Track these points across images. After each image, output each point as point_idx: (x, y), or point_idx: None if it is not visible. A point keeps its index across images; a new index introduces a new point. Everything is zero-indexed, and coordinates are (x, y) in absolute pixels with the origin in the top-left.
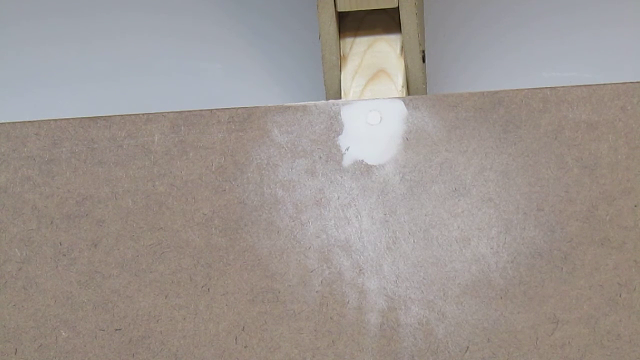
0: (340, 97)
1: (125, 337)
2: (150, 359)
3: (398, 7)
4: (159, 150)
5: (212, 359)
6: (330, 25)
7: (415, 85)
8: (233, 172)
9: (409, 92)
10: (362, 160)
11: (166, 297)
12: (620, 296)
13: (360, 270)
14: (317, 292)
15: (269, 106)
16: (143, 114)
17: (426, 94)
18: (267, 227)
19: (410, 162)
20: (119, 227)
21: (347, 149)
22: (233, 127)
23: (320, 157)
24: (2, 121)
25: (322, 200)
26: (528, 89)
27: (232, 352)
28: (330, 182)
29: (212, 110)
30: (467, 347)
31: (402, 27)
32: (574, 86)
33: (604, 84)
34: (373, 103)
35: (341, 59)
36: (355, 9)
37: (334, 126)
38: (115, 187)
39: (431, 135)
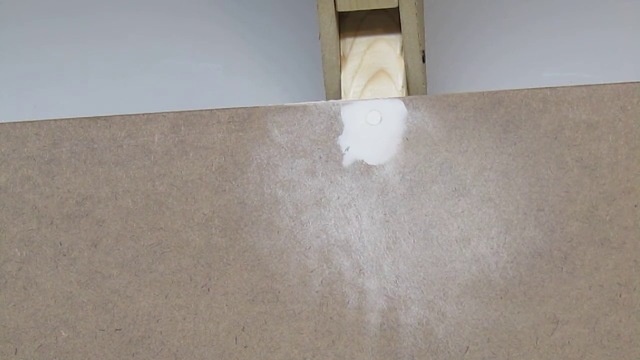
0: (340, 97)
1: (125, 337)
2: (150, 359)
3: (398, 7)
4: (159, 150)
5: (212, 359)
6: (330, 25)
7: (415, 85)
8: (233, 172)
9: (409, 92)
10: (362, 160)
11: (166, 297)
12: (620, 296)
13: (360, 270)
14: (317, 292)
15: (269, 106)
16: (143, 114)
17: (426, 94)
18: (267, 227)
19: (410, 162)
20: (119, 227)
21: (347, 149)
22: (233, 127)
23: (320, 157)
24: (2, 121)
25: (322, 200)
26: (528, 89)
27: (232, 352)
28: (330, 182)
29: (212, 110)
30: (467, 347)
31: (402, 27)
32: (574, 86)
33: (604, 84)
34: (373, 103)
35: (341, 59)
36: (355, 9)
37: (334, 126)
38: (115, 187)
39: (431, 135)
